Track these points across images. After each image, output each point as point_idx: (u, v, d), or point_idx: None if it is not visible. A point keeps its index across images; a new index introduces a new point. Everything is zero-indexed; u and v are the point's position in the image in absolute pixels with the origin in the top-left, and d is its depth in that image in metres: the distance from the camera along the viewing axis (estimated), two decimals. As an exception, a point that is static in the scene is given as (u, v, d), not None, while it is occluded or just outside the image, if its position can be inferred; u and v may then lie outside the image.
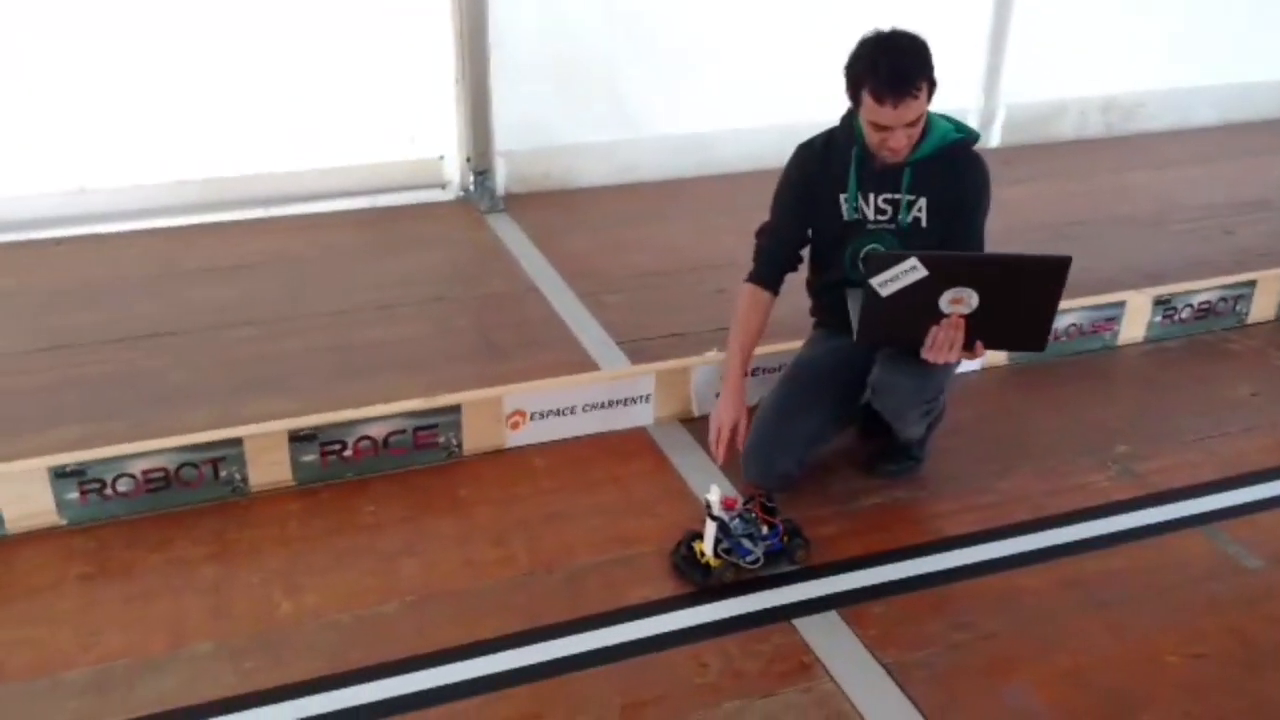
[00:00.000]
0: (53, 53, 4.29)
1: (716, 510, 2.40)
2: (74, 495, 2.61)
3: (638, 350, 3.54)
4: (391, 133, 4.88)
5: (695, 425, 3.11)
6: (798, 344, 3.00)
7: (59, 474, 2.58)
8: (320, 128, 4.74)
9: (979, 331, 2.45)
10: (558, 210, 4.99)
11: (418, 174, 5.02)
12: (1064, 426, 3.17)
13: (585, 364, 3.46)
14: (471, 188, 5.05)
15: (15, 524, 2.59)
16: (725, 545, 2.43)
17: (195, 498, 2.71)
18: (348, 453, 2.81)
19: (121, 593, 2.42)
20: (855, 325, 2.57)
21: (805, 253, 2.84)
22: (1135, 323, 3.66)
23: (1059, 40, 5.89)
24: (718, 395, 3.09)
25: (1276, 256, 4.31)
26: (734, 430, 2.67)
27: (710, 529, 2.41)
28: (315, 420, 2.79)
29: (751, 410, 2.76)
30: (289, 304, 3.91)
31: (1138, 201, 5.22)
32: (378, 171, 4.90)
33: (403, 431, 2.85)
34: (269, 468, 2.76)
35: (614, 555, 2.56)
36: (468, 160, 5.02)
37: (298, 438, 2.76)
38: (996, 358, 3.45)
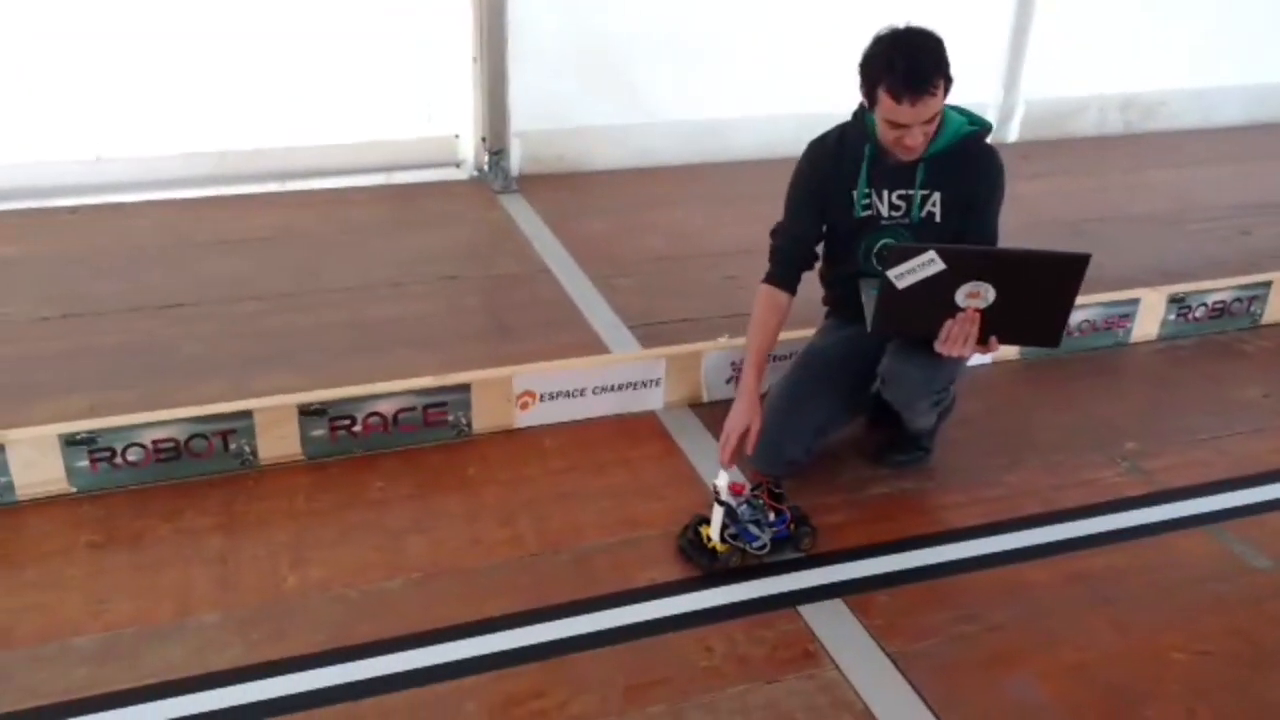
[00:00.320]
0: (72, 22, 4.29)
1: (724, 496, 2.40)
2: (84, 463, 2.62)
3: (649, 334, 3.53)
4: (408, 110, 4.88)
5: (705, 410, 3.11)
6: (809, 332, 2.99)
7: (69, 442, 2.59)
8: (337, 103, 4.74)
9: (994, 326, 2.43)
10: (571, 192, 4.98)
11: (433, 152, 5.01)
12: (1074, 422, 3.16)
13: (596, 346, 3.46)
14: (486, 167, 5.04)
15: (25, 491, 2.60)
16: (732, 531, 2.43)
17: (205, 469, 2.72)
18: (357, 428, 2.82)
19: (130, 561, 2.43)
20: (869, 316, 2.57)
21: (820, 248, 2.83)
22: (1149, 320, 3.64)
23: (1081, 37, 5.85)
24: (728, 381, 3.12)
25: (1293, 258, 4.29)
26: (743, 436, 2.64)
27: (717, 514, 2.41)
28: (325, 395, 2.80)
29: (761, 399, 2.76)
30: (301, 278, 3.92)
31: (1155, 200, 5.19)
32: (393, 148, 4.90)
33: (412, 409, 2.85)
34: (278, 441, 2.77)
35: (621, 537, 2.57)
36: (483, 140, 5.01)
37: (308, 412, 2.77)
38: (1008, 351, 3.45)
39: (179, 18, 4.40)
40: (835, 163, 2.68)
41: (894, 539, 2.60)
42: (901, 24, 2.45)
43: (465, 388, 2.90)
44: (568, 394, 3.01)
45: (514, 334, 3.58)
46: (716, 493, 2.40)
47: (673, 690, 2.12)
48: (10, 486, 2.58)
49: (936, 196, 2.63)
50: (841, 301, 2.88)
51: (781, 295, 2.74)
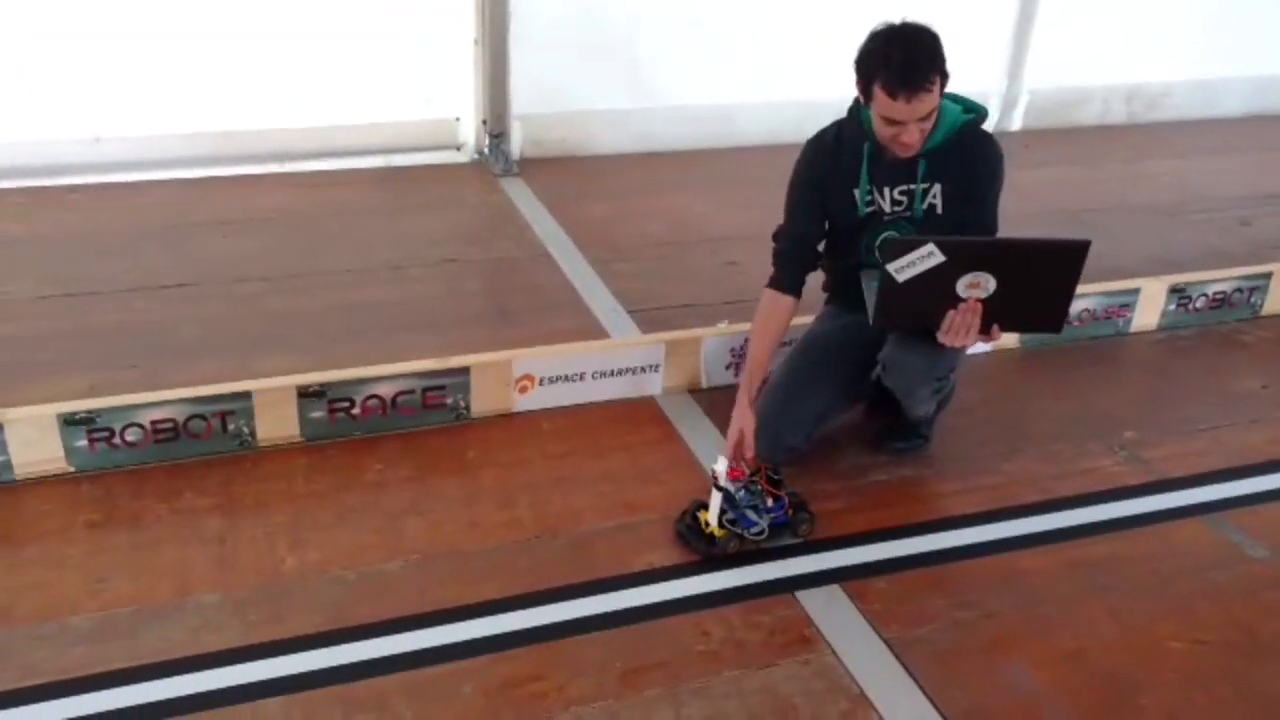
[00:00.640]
0: (71, 1, 4.26)
1: (723, 481, 2.40)
2: (83, 443, 2.62)
3: (648, 319, 3.53)
4: (409, 92, 4.86)
5: (704, 396, 3.11)
6: (809, 319, 2.99)
7: (68, 421, 2.59)
8: (338, 85, 4.72)
9: (996, 315, 2.43)
10: (572, 176, 4.97)
11: (433, 135, 5.00)
12: (1073, 411, 3.16)
13: (595, 331, 3.45)
14: (487, 150, 5.02)
15: (24, 470, 2.60)
16: (730, 516, 2.43)
17: (203, 450, 2.72)
18: (356, 411, 2.82)
19: (128, 541, 2.44)
20: (871, 309, 2.56)
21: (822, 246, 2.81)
22: (1149, 310, 3.64)
23: (1085, 27, 5.83)
24: (728, 367, 3.12)
25: (1294, 249, 4.29)
26: (740, 440, 2.61)
27: (716, 499, 2.41)
28: (324, 377, 2.79)
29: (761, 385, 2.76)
30: (302, 260, 3.91)
31: (1156, 190, 5.18)
32: (393, 131, 4.88)
33: (411, 392, 2.85)
34: (277, 423, 2.77)
35: (619, 522, 2.57)
36: (484, 123, 4.99)
37: (306, 394, 2.76)
38: (1008, 340, 3.45)
39: (179, -3, 4.39)
40: (834, 161, 2.66)
41: (892, 526, 2.61)
42: (898, 19, 2.43)
43: (464, 371, 2.90)
44: (567, 378, 3.01)
45: (513, 318, 3.58)
46: (715, 478, 2.40)
47: (669, 674, 2.13)
48: (9, 466, 2.58)
49: (937, 188, 2.62)
50: (842, 289, 2.87)
51: (785, 299, 2.71)
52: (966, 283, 2.39)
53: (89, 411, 2.60)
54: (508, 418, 2.97)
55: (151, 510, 2.54)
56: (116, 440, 2.64)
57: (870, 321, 2.58)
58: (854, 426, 2.95)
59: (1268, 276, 3.80)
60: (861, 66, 2.45)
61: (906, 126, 2.43)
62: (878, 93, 2.41)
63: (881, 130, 2.49)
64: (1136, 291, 3.60)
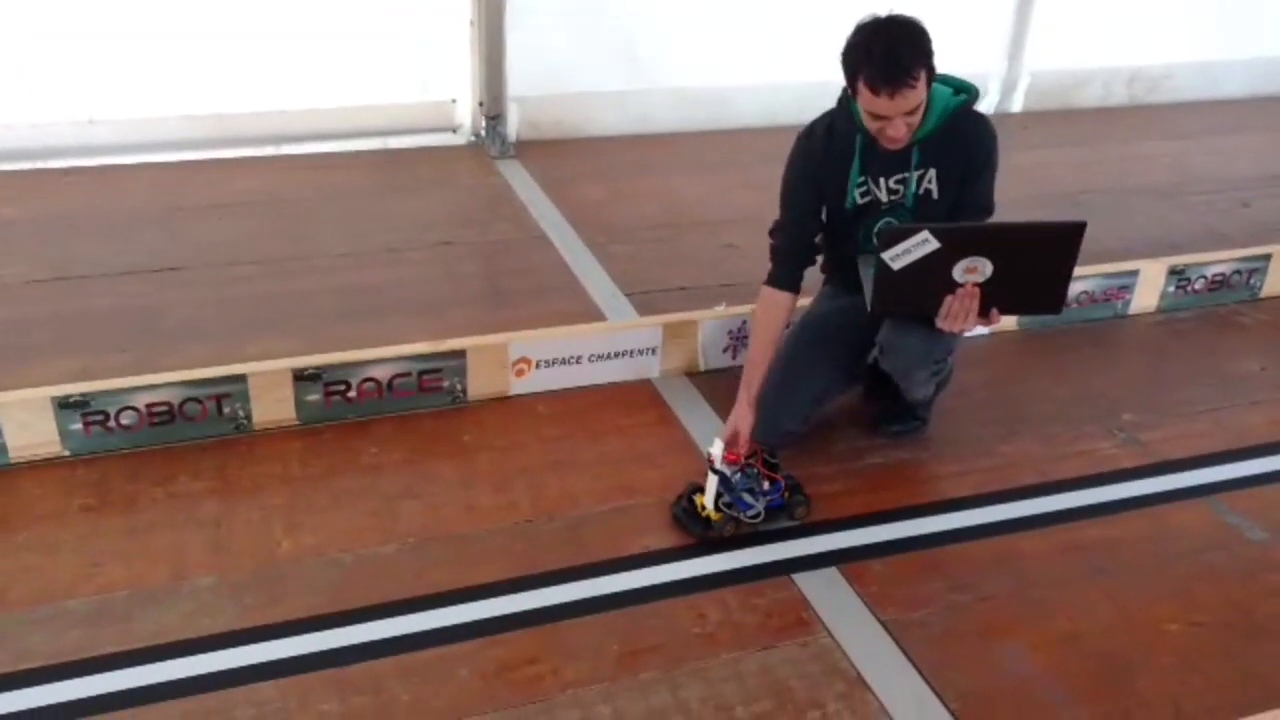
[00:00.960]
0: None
1: (719, 464, 2.39)
2: (77, 426, 2.61)
3: (645, 302, 3.51)
4: (404, 74, 4.83)
5: (701, 379, 3.10)
6: (806, 301, 2.97)
7: (62, 404, 2.58)
8: (333, 67, 4.68)
9: (994, 298, 2.42)
10: (569, 158, 4.94)
11: (429, 117, 4.97)
12: (1070, 393, 3.15)
13: (592, 314, 3.44)
14: (483, 132, 5.00)
15: (18, 453, 2.59)
16: (726, 499, 2.43)
17: (198, 433, 2.71)
18: (351, 394, 2.81)
19: (123, 525, 2.43)
20: (868, 296, 2.55)
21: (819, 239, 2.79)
22: (1148, 292, 3.63)
23: (1086, 9, 5.79)
24: (725, 349, 3.11)
25: (1293, 230, 4.27)
26: (740, 436, 2.59)
27: (712, 482, 2.40)
28: (320, 360, 2.78)
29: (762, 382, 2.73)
30: (297, 243, 3.89)
31: (1156, 172, 5.16)
32: (389, 113, 4.85)
33: (407, 375, 2.84)
34: (272, 406, 2.75)
35: (616, 505, 2.56)
36: (480, 105, 4.97)
37: (302, 377, 2.75)
38: (1006, 323, 3.43)
39: (172, -22, 4.35)
40: (827, 155, 2.63)
41: (888, 508, 2.60)
42: (886, 9, 2.39)
43: (460, 354, 2.88)
44: (564, 361, 3.00)
45: (510, 300, 3.56)
46: (711, 461, 2.39)
47: (666, 657, 2.13)
48: (3, 449, 2.57)
49: (932, 173, 2.60)
50: (840, 271, 2.85)
51: (784, 296, 2.69)
52: (963, 268, 2.38)
53: (83, 395, 2.59)
54: (504, 401, 2.96)
55: (146, 494, 2.53)
56: (111, 424, 2.63)
57: (868, 309, 2.56)
58: (851, 409, 2.94)
59: (1267, 258, 3.79)
60: (846, 60, 2.42)
61: (892, 121, 2.41)
62: (861, 88, 2.39)
63: (868, 123, 2.47)
64: (1135, 273, 3.59)
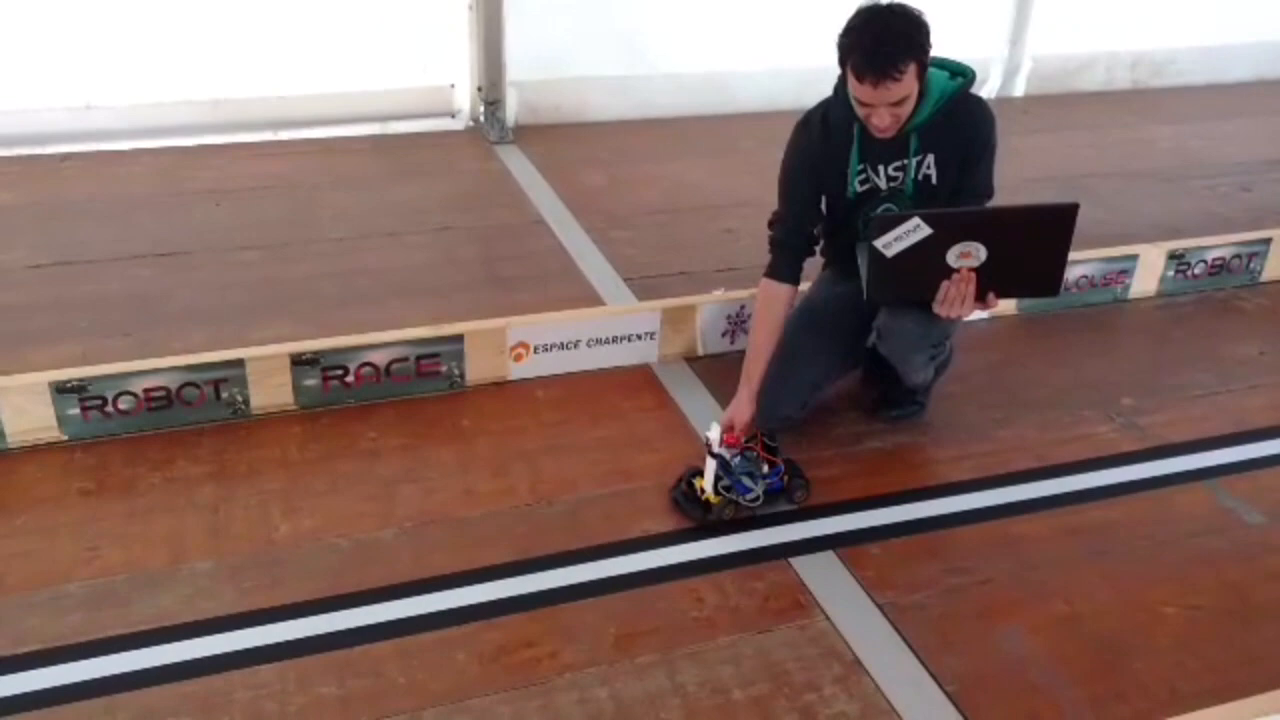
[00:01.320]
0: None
1: (717, 447, 2.39)
2: (75, 411, 2.61)
3: (644, 287, 3.51)
4: (403, 59, 4.82)
5: (700, 363, 3.10)
6: (805, 285, 2.96)
7: (60, 389, 2.58)
8: (332, 52, 4.67)
9: (990, 282, 2.41)
10: (568, 143, 4.93)
11: (428, 102, 4.96)
12: (1069, 377, 3.15)
13: (591, 299, 3.44)
14: (482, 117, 4.99)
15: (17, 438, 2.59)
16: (725, 483, 2.43)
17: (196, 418, 2.71)
18: (350, 379, 2.81)
19: (122, 509, 2.43)
20: (865, 285, 2.54)
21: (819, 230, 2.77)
22: (1148, 277, 3.62)
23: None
24: (724, 334, 3.11)
25: (1294, 215, 4.26)
26: (736, 427, 2.58)
27: (711, 466, 2.40)
28: (318, 344, 2.78)
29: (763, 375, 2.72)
30: (295, 228, 3.88)
31: (1157, 156, 5.15)
32: (388, 98, 4.84)
33: (405, 359, 2.84)
34: (271, 390, 2.75)
35: (614, 489, 2.56)
36: (479, 90, 4.96)
37: (300, 361, 2.75)
38: (1005, 307, 3.43)
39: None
40: (825, 143, 2.62)
41: (887, 492, 2.60)
42: None
43: (459, 338, 2.88)
44: (562, 346, 2.99)
45: (508, 285, 3.56)
46: (709, 445, 2.39)
47: (663, 640, 2.13)
48: (2, 434, 2.57)
49: (931, 159, 2.59)
50: (840, 257, 2.84)
51: (784, 289, 2.68)
52: (957, 253, 2.38)
53: (81, 379, 2.59)
54: (502, 385, 2.96)
55: (145, 478, 2.53)
56: (109, 408, 2.63)
57: (865, 297, 2.56)
58: (850, 393, 2.94)
59: (1267, 242, 3.77)
60: (839, 43, 2.41)
61: (877, 110, 2.40)
62: (849, 74, 2.39)
63: (856, 109, 2.46)
64: (1135, 258, 3.58)
